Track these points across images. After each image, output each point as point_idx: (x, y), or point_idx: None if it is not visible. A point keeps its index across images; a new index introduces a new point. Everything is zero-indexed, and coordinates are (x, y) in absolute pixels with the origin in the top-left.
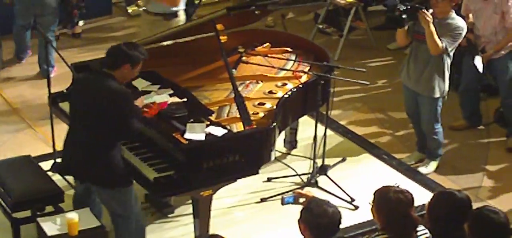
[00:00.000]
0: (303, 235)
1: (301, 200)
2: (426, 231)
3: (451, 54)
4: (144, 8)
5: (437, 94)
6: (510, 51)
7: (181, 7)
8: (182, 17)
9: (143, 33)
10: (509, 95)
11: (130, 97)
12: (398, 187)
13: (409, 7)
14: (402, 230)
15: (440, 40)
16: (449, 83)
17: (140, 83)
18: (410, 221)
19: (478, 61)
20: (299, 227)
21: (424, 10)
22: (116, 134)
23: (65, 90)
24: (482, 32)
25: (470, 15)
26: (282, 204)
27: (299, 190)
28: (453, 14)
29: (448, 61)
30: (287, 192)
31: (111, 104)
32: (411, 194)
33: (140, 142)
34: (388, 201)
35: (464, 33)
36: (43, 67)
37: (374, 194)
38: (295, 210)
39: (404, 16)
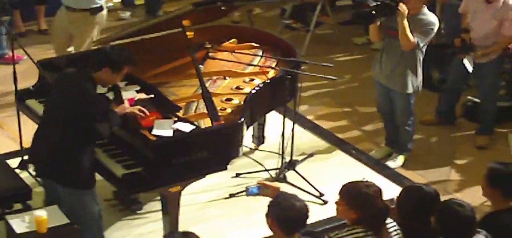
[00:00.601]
0: (271, 229)
1: (265, 191)
2: (395, 224)
3: (423, 49)
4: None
5: (410, 90)
6: (499, 57)
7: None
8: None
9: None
10: (489, 99)
11: (100, 103)
12: (366, 181)
13: (380, 3)
14: (376, 221)
15: (413, 35)
16: (422, 79)
17: None
18: (383, 211)
19: (468, 62)
20: (267, 221)
21: (401, 3)
22: (83, 136)
23: (31, 87)
24: (475, 34)
25: (468, 15)
26: (247, 194)
27: (264, 182)
28: (425, 9)
29: (420, 57)
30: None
31: (80, 107)
32: (378, 187)
33: (108, 138)
34: (363, 196)
35: (435, 28)
36: None
37: (342, 191)
38: (265, 205)
39: (374, 12)
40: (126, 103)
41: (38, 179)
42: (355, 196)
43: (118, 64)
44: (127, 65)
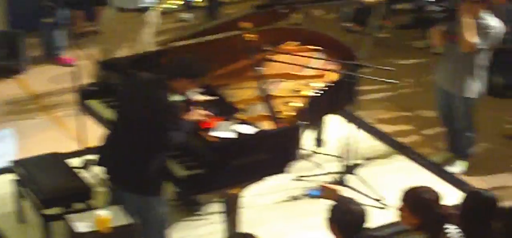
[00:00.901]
0: (331, 232)
1: (327, 193)
2: (458, 229)
3: (486, 55)
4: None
5: (471, 94)
6: None
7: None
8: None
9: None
10: None
11: (177, 111)
12: (426, 186)
13: (445, 8)
14: (436, 227)
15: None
16: (485, 84)
17: None
18: (442, 217)
19: None
20: (327, 224)
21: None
22: (156, 143)
23: (92, 87)
24: None
25: None
26: (309, 196)
27: (324, 184)
28: (484, 15)
29: (482, 62)
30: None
31: (156, 114)
32: (437, 192)
33: None
34: (423, 202)
35: (495, 31)
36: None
37: (404, 196)
38: (324, 208)
39: (440, 16)
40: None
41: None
42: (416, 201)
43: (196, 76)
44: (203, 77)
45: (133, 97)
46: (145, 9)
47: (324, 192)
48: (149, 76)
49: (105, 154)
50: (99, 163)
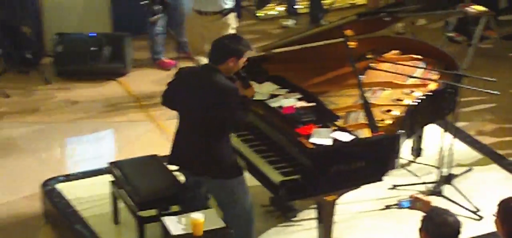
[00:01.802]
0: None
1: (418, 205)
2: None
3: None
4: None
5: None
6: None
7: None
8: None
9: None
10: None
11: (236, 92)
12: None
13: None
14: None
15: None
16: None
17: (268, 87)
18: None
19: None
20: (420, 235)
21: None
22: (223, 126)
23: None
24: None
25: None
26: (399, 208)
27: (416, 195)
28: None
29: None
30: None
31: (217, 98)
32: None
33: (266, 145)
34: (510, 212)
35: None
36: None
37: (498, 204)
38: (419, 218)
39: None
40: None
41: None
42: (504, 210)
43: (241, 52)
44: (247, 50)
45: (191, 87)
46: (225, 12)
47: (415, 203)
48: (197, 67)
49: (176, 151)
50: (170, 162)
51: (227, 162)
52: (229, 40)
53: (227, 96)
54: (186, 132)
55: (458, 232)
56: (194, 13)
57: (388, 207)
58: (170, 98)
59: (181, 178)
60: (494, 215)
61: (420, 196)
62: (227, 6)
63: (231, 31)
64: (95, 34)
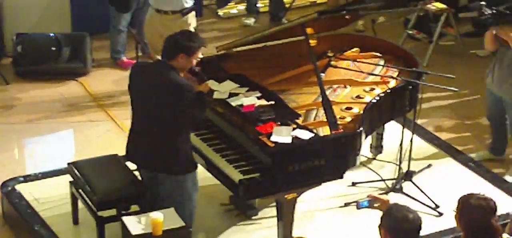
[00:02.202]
0: None
1: (376, 204)
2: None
3: None
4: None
5: None
6: None
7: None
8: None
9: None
10: None
11: (191, 89)
12: (482, 195)
13: (495, 11)
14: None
15: None
16: None
17: (228, 86)
18: (491, 230)
19: None
20: (379, 232)
21: (503, 27)
22: (179, 124)
23: None
24: None
25: None
26: (357, 208)
27: (374, 194)
28: None
29: None
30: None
31: (171, 96)
32: (494, 202)
33: (225, 143)
34: (469, 208)
35: None
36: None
37: (458, 200)
38: (379, 215)
39: (489, 20)
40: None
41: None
42: (462, 207)
43: (192, 49)
44: (200, 47)
45: (144, 82)
46: (185, 11)
47: (372, 203)
48: (149, 63)
49: (131, 147)
50: (127, 158)
51: (182, 158)
52: (180, 36)
53: (179, 94)
54: (141, 128)
55: (419, 228)
56: (154, 11)
57: (347, 204)
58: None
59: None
60: (453, 210)
61: (378, 195)
62: (187, 5)
63: (191, 30)
64: (54, 34)
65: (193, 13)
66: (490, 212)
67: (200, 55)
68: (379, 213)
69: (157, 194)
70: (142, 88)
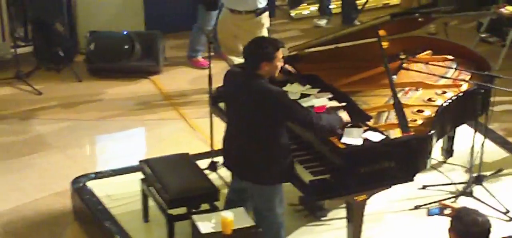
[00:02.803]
0: None
1: (447, 211)
2: None
3: None
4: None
5: None
6: None
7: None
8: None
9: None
10: None
11: (284, 92)
12: None
13: None
14: None
15: None
16: None
17: (300, 86)
18: None
19: None
20: (450, 236)
21: None
22: (273, 131)
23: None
24: None
25: None
26: (428, 215)
27: (445, 202)
28: None
29: None
30: (437, 201)
31: (267, 105)
32: None
33: (296, 144)
34: None
35: None
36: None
37: None
38: (448, 219)
39: None
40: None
41: (226, 180)
42: None
43: (271, 54)
44: (278, 49)
45: (238, 91)
46: (259, 11)
47: (443, 211)
48: (239, 70)
49: (226, 154)
50: (224, 163)
51: (275, 169)
52: (254, 46)
53: (273, 101)
54: (235, 135)
55: (488, 232)
56: (227, 11)
57: (418, 207)
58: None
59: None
60: None
61: (449, 203)
62: (260, 5)
63: (264, 30)
64: (128, 32)
65: (267, 13)
66: None
67: (285, 54)
68: (449, 218)
69: (243, 201)
70: (236, 95)
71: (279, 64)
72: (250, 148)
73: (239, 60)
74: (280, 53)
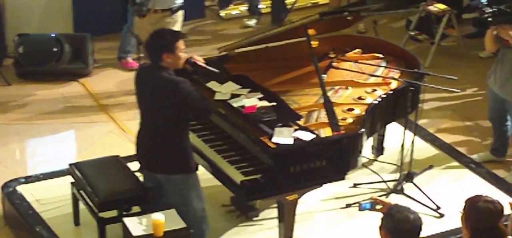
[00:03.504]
0: None
1: (378, 206)
2: None
3: None
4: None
5: None
6: None
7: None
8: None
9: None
10: None
11: (187, 82)
12: (490, 198)
13: (496, 10)
14: None
15: None
16: None
17: (230, 87)
18: (497, 233)
19: None
20: (380, 233)
21: (504, 26)
22: (178, 121)
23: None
24: None
25: None
26: (359, 210)
27: (376, 197)
28: None
29: None
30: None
31: (168, 94)
32: (501, 205)
33: (227, 144)
34: (476, 210)
35: None
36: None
37: (465, 202)
38: (380, 216)
39: (489, 19)
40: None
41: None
42: (469, 208)
43: (171, 43)
44: (178, 40)
45: (144, 87)
46: (174, 9)
47: (374, 205)
48: (147, 64)
49: (137, 149)
50: (137, 160)
51: (182, 156)
52: (154, 38)
53: (175, 90)
54: (144, 129)
55: (419, 229)
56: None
57: (349, 205)
58: None
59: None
60: (460, 212)
61: (381, 198)
62: (176, 3)
63: (178, 27)
64: (56, 35)
65: (182, 11)
66: (497, 215)
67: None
68: (380, 215)
69: (160, 198)
70: (142, 92)
71: (182, 55)
72: (157, 139)
73: None
74: (181, 44)
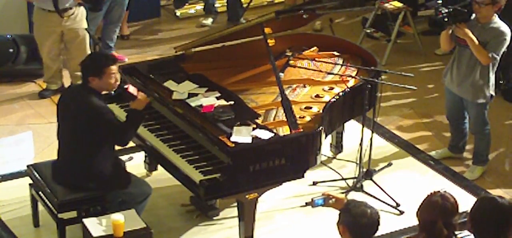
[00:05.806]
0: (342, 237)
1: (331, 201)
2: (471, 236)
3: (498, 58)
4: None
5: (482, 100)
6: None
7: None
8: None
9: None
10: None
11: (104, 110)
12: (444, 192)
13: (451, 10)
14: (437, 236)
15: (486, 49)
16: (495, 86)
17: (187, 86)
18: (439, 229)
19: None
20: (338, 229)
21: (460, 25)
22: (101, 143)
23: (113, 92)
24: None
25: None
26: (312, 206)
27: (328, 192)
28: (495, 18)
29: (492, 66)
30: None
31: (89, 120)
32: (452, 203)
33: (185, 144)
34: (426, 202)
35: (508, 38)
36: None
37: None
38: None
39: (446, 19)
40: (138, 94)
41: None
42: (422, 203)
43: (99, 69)
44: (109, 66)
45: (67, 105)
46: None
47: (327, 201)
48: (77, 85)
49: (59, 161)
50: (54, 171)
51: (105, 176)
52: (86, 60)
53: (95, 117)
54: (63, 147)
55: (377, 223)
56: (43, 12)
57: (308, 203)
58: None
59: None
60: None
61: (333, 193)
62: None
63: (84, 25)
64: (12, 36)
65: (84, 12)
66: (443, 211)
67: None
68: (338, 211)
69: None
70: (66, 111)
71: (112, 80)
72: (75, 158)
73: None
74: (112, 70)
